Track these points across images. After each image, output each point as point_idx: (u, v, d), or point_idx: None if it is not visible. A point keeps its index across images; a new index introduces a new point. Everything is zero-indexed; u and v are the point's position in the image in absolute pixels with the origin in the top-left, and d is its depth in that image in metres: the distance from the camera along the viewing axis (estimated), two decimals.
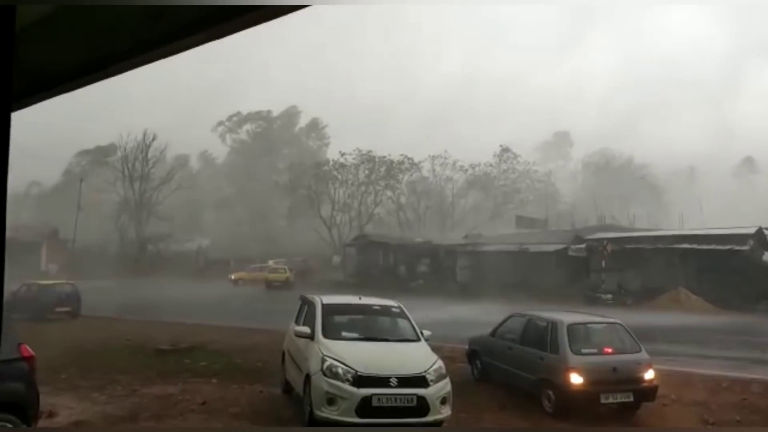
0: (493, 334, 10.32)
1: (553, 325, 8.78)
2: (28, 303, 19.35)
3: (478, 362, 10.54)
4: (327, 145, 58.20)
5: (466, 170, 51.59)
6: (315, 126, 59.72)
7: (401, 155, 50.81)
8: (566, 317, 9.20)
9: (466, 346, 11.15)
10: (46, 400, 7.04)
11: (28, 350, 6.37)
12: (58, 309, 20.11)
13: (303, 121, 60.88)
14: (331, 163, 51.97)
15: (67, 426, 7.63)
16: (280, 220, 50.42)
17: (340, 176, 50.79)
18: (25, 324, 15.82)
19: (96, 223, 47.83)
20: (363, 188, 51.11)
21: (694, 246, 27.63)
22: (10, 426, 5.88)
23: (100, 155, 55.16)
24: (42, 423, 6.99)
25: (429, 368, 7.34)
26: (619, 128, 55.71)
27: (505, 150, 51.38)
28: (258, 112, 60.38)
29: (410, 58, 71.59)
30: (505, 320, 10.39)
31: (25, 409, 6.08)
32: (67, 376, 10.27)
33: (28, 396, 6.14)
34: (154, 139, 52.33)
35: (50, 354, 10.82)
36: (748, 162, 55.01)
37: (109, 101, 40.83)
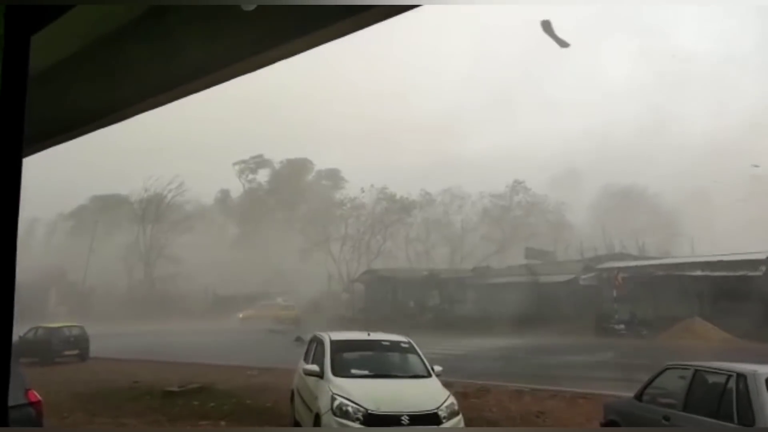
0: (640, 396, 7.39)
1: (743, 381, 5.83)
2: (37, 347, 19.32)
3: None
4: (341, 188, 58.64)
5: (477, 203, 51.84)
6: (330, 171, 60.35)
7: (415, 193, 51.41)
8: (761, 368, 6.04)
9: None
10: None
11: (35, 395, 6.33)
12: (67, 352, 20.04)
13: (316, 170, 61.51)
14: (345, 201, 52.54)
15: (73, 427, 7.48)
16: (289, 257, 50.50)
17: (352, 213, 51.26)
18: (33, 368, 15.76)
19: (104, 264, 48.07)
20: (372, 224, 51.37)
21: (707, 273, 27.30)
22: None
23: (109, 200, 55.92)
24: None
25: (441, 405, 7.20)
26: (627, 155, 55.44)
27: (517, 183, 51.67)
28: (270, 161, 61.39)
29: (411, 86, 72.11)
30: (656, 375, 7.36)
31: None
32: (74, 420, 10.13)
33: None
34: (173, 185, 53.22)
35: (58, 398, 10.74)
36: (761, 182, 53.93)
37: (117, 143, 41.85)
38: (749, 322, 23.55)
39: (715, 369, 6.55)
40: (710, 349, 20.03)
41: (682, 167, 46.04)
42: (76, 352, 20.29)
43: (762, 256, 27.24)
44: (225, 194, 62.03)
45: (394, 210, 51.57)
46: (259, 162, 61.31)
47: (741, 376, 5.94)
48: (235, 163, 60.35)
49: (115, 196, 55.23)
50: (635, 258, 36.59)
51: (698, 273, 27.58)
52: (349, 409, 7.03)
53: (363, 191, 51.18)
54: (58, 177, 36.90)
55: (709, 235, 38.20)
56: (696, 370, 6.68)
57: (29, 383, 6.44)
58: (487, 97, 73.47)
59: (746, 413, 5.63)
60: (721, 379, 6.20)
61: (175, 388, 13.09)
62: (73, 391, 12.90)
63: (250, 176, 61.81)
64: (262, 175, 62.40)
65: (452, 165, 52.89)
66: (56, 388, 12.06)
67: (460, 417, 7.28)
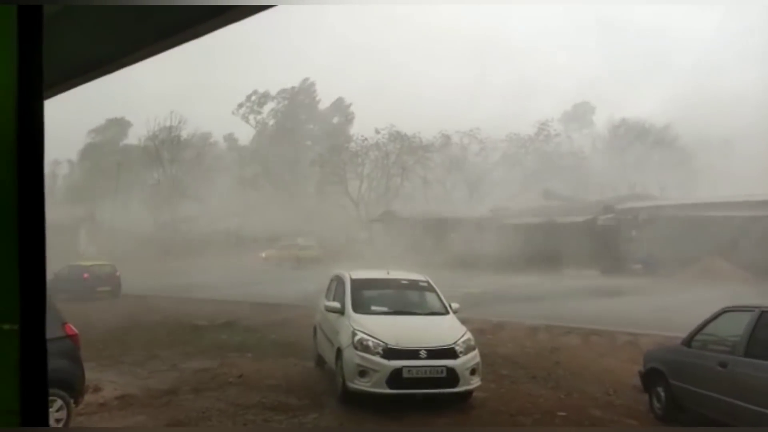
0: (689, 342, 6.67)
1: None
2: (71, 284, 20.15)
3: (660, 390, 6.86)
4: (351, 121, 57.96)
5: (496, 144, 51.21)
6: (339, 104, 59.39)
7: (439, 132, 50.85)
8: None
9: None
10: (91, 376, 7.39)
11: (72, 329, 6.67)
12: (100, 289, 20.89)
13: (324, 97, 60.40)
14: (359, 140, 52.17)
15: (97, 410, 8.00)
16: (307, 197, 50.98)
17: (369, 153, 51.00)
18: (68, 304, 16.53)
19: (129, 205, 49.23)
20: (391, 165, 51.19)
21: (728, 213, 26.84)
22: (59, 401, 6.22)
23: (120, 135, 56.49)
24: (88, 397, 7.36)
25: (458, 340, 7.42)
26: (647, 94, 53.57)
27: (537, 123, 50.84)
28: (281, 90, 60.19)
29: (429, 35, 69.92)
30: (710, 319, 6.62)
31: (73, 384, 6.41)
32: (110, 353, 10.71)
33: (74, 372, 6.46)
34: (180, 123, 53.24)
35: (93, 332, 11.32)
36: None
37: (131, 88, 41.93)
38: None
39: None
40: (729, 289, 20.03)
41: (704, 110, 44.42)
42: (108, 288, 21.13)
43: None
44: (238, 137, 61.87)
45: (411, 150, 51.17)
46: (262, 101, 60.32)
47: None
48: (236, 107, 59.40)
49: (133, 138, 55.76)
50: (655, 198, 36.08)
51: (719, 213, 27.13)
52: (370, 343, 7.29)
53: (378, 132, 50.62)
54: (71, 120, 37.22)
55: (729, 176, 37.32)
56: (762, 312, 5.88)
57: (65, 317, 6.78)
58: (503, 39, 70.78)
59: None
60: None
61: (203, 323, 13.68)
62: (107, 325, 13.56)
63: (258, 117, 61.16)
64: (270, 116, 61.60)
65: (471, 106, 51.88)
66: (91, 323, 12.69)
67: (476, 352, 7.51)
